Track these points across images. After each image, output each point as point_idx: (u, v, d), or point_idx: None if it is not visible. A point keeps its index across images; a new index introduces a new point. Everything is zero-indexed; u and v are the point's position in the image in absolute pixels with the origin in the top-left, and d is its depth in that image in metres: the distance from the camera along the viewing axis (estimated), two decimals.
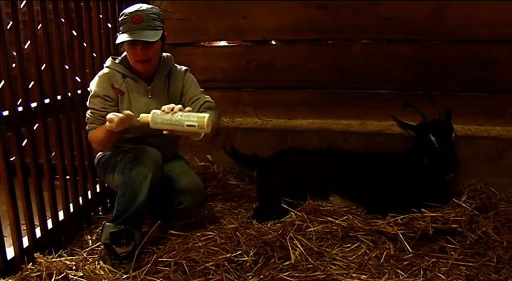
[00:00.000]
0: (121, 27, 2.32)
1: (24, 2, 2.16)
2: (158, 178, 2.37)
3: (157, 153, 2.36)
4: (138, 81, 2.46)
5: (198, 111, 2.45)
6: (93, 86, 2.41)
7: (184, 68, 2.63)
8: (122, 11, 2.34)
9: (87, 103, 2.42)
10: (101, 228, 2.33)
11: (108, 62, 2.49)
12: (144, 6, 2.35)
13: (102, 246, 2.32)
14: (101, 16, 2.81)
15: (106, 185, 2.84)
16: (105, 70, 2.45)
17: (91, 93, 2.40)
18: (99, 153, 2.59)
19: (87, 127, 2.42)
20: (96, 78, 2.43)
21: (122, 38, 2.28)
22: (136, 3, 2.33)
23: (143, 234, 2.42)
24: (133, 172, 2.27)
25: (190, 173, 2.64)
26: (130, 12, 2.30)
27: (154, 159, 2.33)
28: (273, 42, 3.43)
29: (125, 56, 2.45)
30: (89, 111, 2.40)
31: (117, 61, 2.48)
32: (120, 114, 2.15)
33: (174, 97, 2.54)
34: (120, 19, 2.33)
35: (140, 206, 2.28)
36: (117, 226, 2.24)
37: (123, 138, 2.44)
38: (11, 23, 2.08)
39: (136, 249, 2.25)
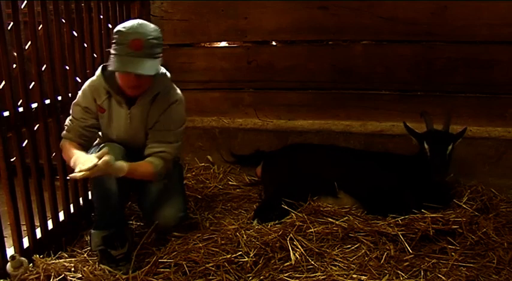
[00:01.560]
0: (116, 47, 2.07)
1: (25, 2, 2.17)
2: None
3: (117, 148, 2.27)
4: (120, 103, 2.29)
5: (147, 156, 2.32)
6: (79, 93, 2.33)
7: (175, 98, 2.36)
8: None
9: (71, 109, 2.34)
10: (88, 238, 2.32)
11: (97, 72, 2.31)
12: (145, 26, 2.09)
13: (96, 252, 2.29)
14: (101, 17, 2.81)
15: None
16: (92, 82, 2.30)
17: (74, 101, 2.33)
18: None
19: (62, 133, 2.31)
20: (83, 87, 2.32)
21: (117, 64, 2.06)
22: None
23: (142, 234, 2.42)
24: None
25: (171, 191, 2.46)
26: (129, 33, 2.05)
27: (115, 155, 2.16)
28: (274, 43, 3.43)
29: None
30: (68, 118, 2.33)
31: (106, 74, 2.28)
32: (96, 161, 1.95)
33: (149, 125, 2.35)
34: (116, 36, 2.08)
35: (115, 204, 2.24)
36: (107, 230, 2.22)
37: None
38: (12, 23, 2.08)
39: (131, 248, 2.26)
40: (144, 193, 2.46)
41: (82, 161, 1.98)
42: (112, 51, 2.11)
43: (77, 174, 1.92)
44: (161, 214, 2.41)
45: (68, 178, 2.06)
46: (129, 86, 2.18)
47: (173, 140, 2.35)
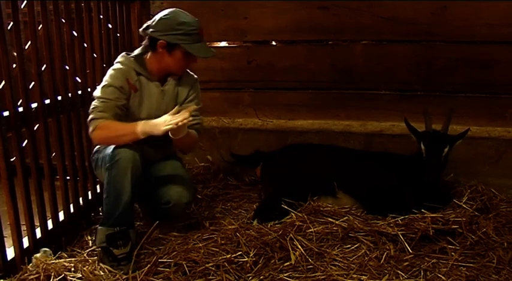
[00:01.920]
0: (187, 37, 2.35)
1: (25, 2, 2.16)
2: (139, 173, 2.31)
3: (135, 148, 2.31)
4: (151, 81, 2.48)
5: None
6: (106, 77, 2.39)
7: (195, 76, 2.67)
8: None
9: (96, 93, 2.36)
10: (94, 233, 2.35)
11: (122, 58, 2.47)
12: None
13: (99, 249, 2.30)
14: (101, 17, 2.81)
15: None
16: (119, 65, 2.43)
17: (103, 84, 2.37)
18: (96, 147, 2.57)
19: (94, 115, 2.30)
20: (110, 72, 2.40)
21: (200, 51, 2.39)
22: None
23: (142, 234, 2.43)
24: (113, 171, 2.26)
25: (180, 172, 2.59)
26: (192, 22, 2.38)
27: (131, 155, 2.27)
28: (274, 42, 3.43)
29: (140, 54, 2.49)
30: (97, 101, 2.33)
31: (131, 58, 2.47)
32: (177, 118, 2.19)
33: (179, 101, 2.57)
34: (181, 27, 2.34)
35: (126, 204, 2.27)
36: (112, 228, 2.25)
37: None
38: (12, 23, 2.08)
39: (134, 249, 2.26)
40: (154, 177, 2.53)
41: (168, 118, 2.23)
42: (178, 41, 2.35)
43: (177, 122, 2.18)
44: (174, 190, 2.47)
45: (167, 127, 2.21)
46: (188, 67, 2.54)
47: (199, 114, 2.63)
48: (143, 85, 2.47)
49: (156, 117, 2.36)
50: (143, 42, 2.51)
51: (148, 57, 2.48)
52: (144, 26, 2.43)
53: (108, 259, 2.23)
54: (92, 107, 2.34)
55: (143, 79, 2.47)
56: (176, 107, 2.33)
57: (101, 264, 2.23)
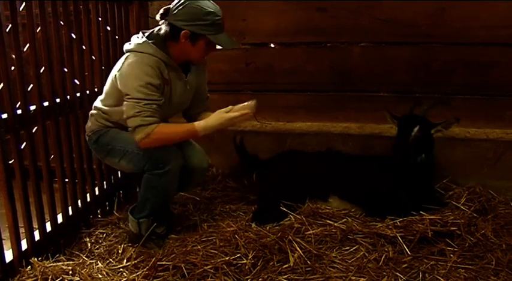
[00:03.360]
0: (213, 28, 2.21)
1: (24, 4, 2.17)
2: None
3: (178, 150, 2.42)
4: (177, 71, 2.37)
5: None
6: (140, 74, 2.19)
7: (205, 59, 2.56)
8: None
9: (134, 94, 2.17)
10: (135, 224, 2.47)
11: (149, 48, 2.25)
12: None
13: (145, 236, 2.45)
14: (100, 19, 2.81)
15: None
16: (150, 57, 2.23)
17: (141, 83, 2.17)
18: (93, 128, 2.47)
19: (141, 121, 2.17)
20: (142, 67, 2.20)
21: (225, 41, 2.26)
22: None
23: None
24: (164, 178, 2.34)
25: (192, 143, 2.67)
26: (217, 12, 2.23)
27: (180, 162, 2.39)
28: (272, 45, 3.43)
29: (161, 40, 2.30)
30: (139, 104, 2.17)
31: (155, 47, 2.27)
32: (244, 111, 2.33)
33: (197, 88, 2.59)
34: (209, 17, 2.19)
35: (170, 200, 2.54)
36: (153, 217, 2.45)
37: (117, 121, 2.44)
38: (10, 25, 2.08)
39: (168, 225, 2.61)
40: None
41: (235, 108, 2.36)
42: (204, 32, 2.22)
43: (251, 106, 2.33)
44: (195, 157, 2.59)
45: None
46: (206, 56, 2.42)
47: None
48: (171, 76, 2.33)
49: (178, 110, 2.54)
50: (161, 27, 2.31)
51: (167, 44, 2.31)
52: (162, 11, 2.26)
53: (153, 240, 2.47)
54: (134, 111, 2.18)
55: (170, 69, 2.32)
56: (248, 102, 2.38)
57: (99, 264, 2.25)
